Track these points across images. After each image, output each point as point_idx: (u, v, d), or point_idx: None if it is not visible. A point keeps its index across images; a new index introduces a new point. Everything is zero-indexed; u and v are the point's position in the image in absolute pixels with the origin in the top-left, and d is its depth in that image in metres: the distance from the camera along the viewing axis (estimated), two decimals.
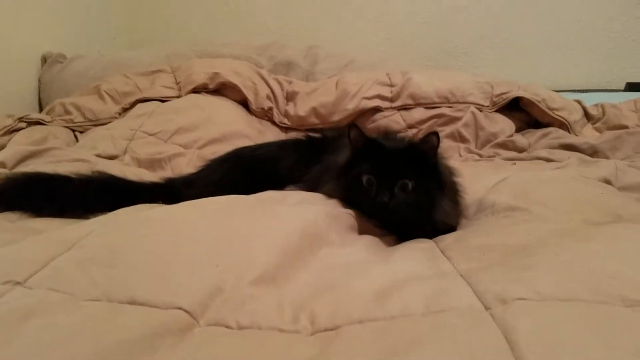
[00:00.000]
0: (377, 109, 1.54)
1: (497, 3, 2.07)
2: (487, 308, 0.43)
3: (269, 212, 0.65)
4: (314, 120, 1.55)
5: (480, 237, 0.66)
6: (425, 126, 1.50)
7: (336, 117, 1.53)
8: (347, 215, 0.75)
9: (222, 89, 1.57)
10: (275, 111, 1.59)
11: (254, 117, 1.59)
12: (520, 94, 1.50)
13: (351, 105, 1.51)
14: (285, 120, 1.59)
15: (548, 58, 2.07)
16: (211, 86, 1.54)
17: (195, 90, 1.54)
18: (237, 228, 0.57)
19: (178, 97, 1.52)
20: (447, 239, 0.71)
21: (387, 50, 2.13)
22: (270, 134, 1.55)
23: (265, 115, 1.60)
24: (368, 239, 0.71)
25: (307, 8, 2.17)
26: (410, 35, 2.14)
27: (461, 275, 0.52)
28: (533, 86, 1.57)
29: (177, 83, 1.57)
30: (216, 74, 1.54)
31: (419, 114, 1.52)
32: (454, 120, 1.50)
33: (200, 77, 1.53)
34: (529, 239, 0.59)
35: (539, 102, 1.49)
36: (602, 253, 0.50)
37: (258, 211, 0.64)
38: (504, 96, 1.52)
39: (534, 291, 0.43)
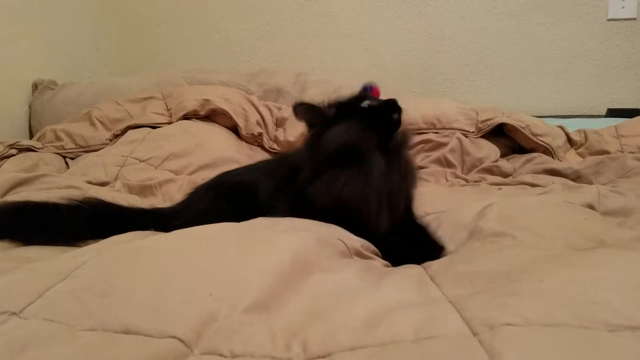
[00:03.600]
0: None
1: (482, 31, 2.12)
2: (475, 334, 0.44)
3: (260, 239, 0.66)
4: None
5: (468, 264, 0.68)
6: (412, 151, 1.52)
7: None
8: (336, 241, 0.76)
9: (212, 116, 1.59)
10: (265, 137, 1.61)
11: (244, 142, 1.61)
12: (505, 120, 1.54)
13: None
14: (275, 146, 1.61)
15: (531, 85, 2.12)
16: (202, 112, 1.56)
17: (186, 117, 1.56)
18: (229, 256, 0.58)
19: (169, 123, 1.54)
20: (436, 265, 0.73)
21: (374, 76, 2.15)
22: (260, 159, 1.56)
23: (256, 140, 1.62)
24: (358, 265, 0.72)
25: (295, 36, 2.21)
26: (396, 62, 2.18)
27: (450, 302, 0.54)
28: (516, 113, 1.61)
29: (168, 109, 1.58)
30: (207, 100, 1.56)
31: None
32: (440, 145, 1.52)
33: (191, 103, 1.55)
34: (515, 265, 0.61)
35: (522, 128, 1.52)
36: (585, 279, 0.51)
37: (249, 239, 0.65)
38: (488, 122, 1.55)
39: (520, 317, 0.44)
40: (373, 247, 0.85)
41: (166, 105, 1.60)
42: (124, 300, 0.47)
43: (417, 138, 1.55)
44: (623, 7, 2.04)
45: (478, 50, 2.13)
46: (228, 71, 1.87)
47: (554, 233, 0.79)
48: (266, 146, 1.61)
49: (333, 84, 1.86)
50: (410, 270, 0.72)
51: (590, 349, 0.40)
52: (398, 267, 0.77)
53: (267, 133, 1.63)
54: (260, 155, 1.59)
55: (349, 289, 0.61)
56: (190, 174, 1.33)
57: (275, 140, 1.62)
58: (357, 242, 0.82)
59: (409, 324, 0.48)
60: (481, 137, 1.56)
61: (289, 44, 2.23)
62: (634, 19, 2.05)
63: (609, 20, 2.06)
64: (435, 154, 1.51)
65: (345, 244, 0.78)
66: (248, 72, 1.86)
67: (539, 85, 2.12)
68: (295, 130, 1.58)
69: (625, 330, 0.41)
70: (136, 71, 2.15)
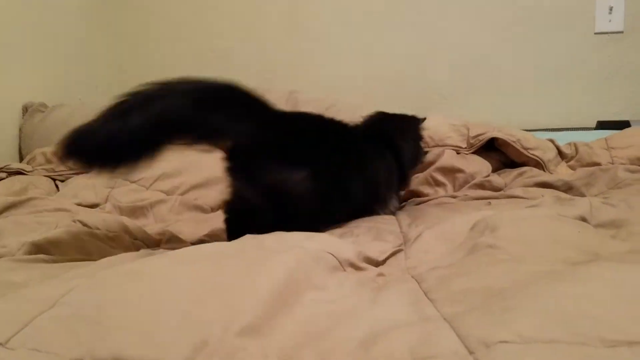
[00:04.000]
0: None
1: (472, 46, 2.15)
2: (471, 352, 0.44)
3: (253, 260, 0.65)
4: None
5: (462, 278, 0.67)
6: None
7: None
8: (327, 255, 0.76)
9: None
10: None
11: None
12: (496, 134, 1.55)
13: None
14: None
15: (522, 99, 2.14)
16: None
17: None
18: (221, 278, 0.57)
19: None
20: (430, 279, 0.72)
21: (368, 93, 2.19)
22: None
23: None
24: (352, 280, 0.72)
25: (287, 53, 2.23)
26: (389, 78, 2.20)
27: (445, 319, 0.53)
28: (507, 127, 1.62)
29: None
30: None
31: None
32: (432, 162, 1.53)
33: None
34: (509, 280, 0.60)
35: (514, 142, 1.53)
36: (581, 294, 0.51)
37: (241, 260, 0.64)
38: (480, 137, 1.56)
39: (515, 334, 0.44)
40: (366, 254, 0.85)
41: None
42: (114, 328, 0.46)
43: None
44: (610, 21, 2.07)
45: (469, 65, 2.16)
46: None
47: (548, 246, 0.79)
48: None
49: (326, 101, 1.86)
50: (404, 285, 0.71)
51: None
52: (392, 282, 0.76)
53: None
54: None
55: (344, 307, 0.61)
56: (182, 194, 1.33)
57: None
58: (348, 252, 0.81)
59: (404, 344, 0.47)
60: (473, 152, 1.57)
61: (282, 61, 2.24)
62: (621, 32, 2.08)
63: (596, 33, 2.09)
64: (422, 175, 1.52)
65: (336, 258, 0.78)
66: None
67: (530, 99, 2.14)
68: None
69: (622, 346, 0.41)
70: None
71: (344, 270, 0.78)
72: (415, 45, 2.17)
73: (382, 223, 1.13)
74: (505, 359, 0.41)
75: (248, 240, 0.82)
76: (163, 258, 0.62)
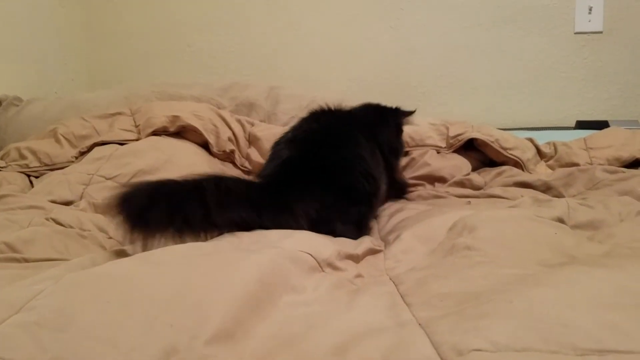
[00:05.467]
0: None
1: (452, 44, 2.15)
2: None
3: (225, 262, 0.64)
4: None
5: (439, 281, 0.67)
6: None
7: None
8: (305, 255, 0.75)
9: (183, 132, 1.56)
10: (237, 154, 1.59)
11: (216, 159, 1.58)
12: (475, 135, 1.55)
13: None
14: (247, 164, 1.59)
15: (502, 97, 2.15)
16: (171, 129, 1.53)
17: (155, 133, 1.53)
18: (193, 282, 0.56)
19: (137, 140, 1.51)
20: (408, 282, 0.72)
21: (347, 89, 2.18)
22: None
23: (228, 157, 1.60)
24: (329, 281, 0.71)
25: (267, 49, 2.21)
26: (369, 76, 2.19)
27: (420, 324, 0.53)
28: (486, 127, 1.62)
29: (137, 126, 1.55)
30: (176, 117, 1.53)
31: None
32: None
33: (160, 120, 1.52)
34: (485, 284, 0.60)
35: (492, 142, 1.54)
36: (554, 299, 0.51)
37: (213, 262, 0.63)
38: (459, 137, 1.56)
39: (489, 341, 0.44)
40: (347, 251, 0.85)
41: (134, 122, 1.57)
42: (81, 335, 0.45)
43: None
44: (590, 21, 2.09)
45: (449, 64, 2.16)
46: (199, 85, 1.84)
47: (525, 247, 0.79)
48: (238, 164, 1.59)
49: (306, 97, 1.85)
50: (381, 288, 0.71)
51: None
52: (370, 284, 0.76)
53: (239, 150, 1.61)
54: (232, 172, 1.57)
55: (319, 311, 0.60)
56: None
57: (247, 158, 1.60)
58: (328, 251, 0.81)
59: (377, 350, 0.47)
60: (453, 151, 1.57)
61: (261, 57, 2.22)
62: (601, 32, 2.10)
63: (576, 33, 2.11)
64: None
65: (315, 258, 0.77)
66: (220, 86, 1.84)
67: (510, 98, 2.15)
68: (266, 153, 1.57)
69: (593, 354, 0.41)
70: (105, 86, 2.11)
71: (323, 271, 0.78)
72: (396, 42, 2.16)
73: None
74: None
75: (226, 239, 0.80)
76: (133, 260, 0.61)
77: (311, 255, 0.77)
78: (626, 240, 0.84)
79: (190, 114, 1.55)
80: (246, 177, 1.55)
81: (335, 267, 0.80)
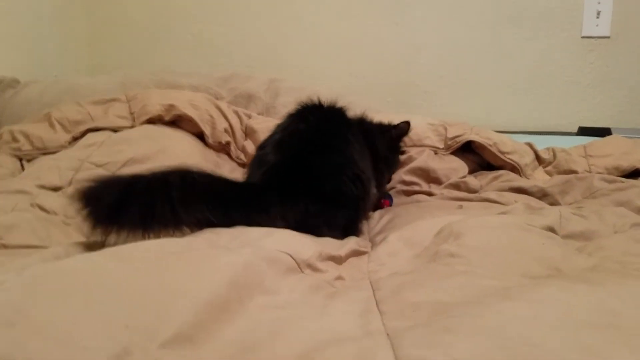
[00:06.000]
0: None
1: (456, 43, 2.13)
2: None
3: (198, 260, 0.62)
4: None
5: (415, 290, 0.65)
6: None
7: None
8: (284, 256, 0.73)
9: (178, 121, 1.55)
10: (232, 146, 1.58)
11: (211, 150, 1.57)
12: (473, 137, 1.53)
13: None
14: (242, 157, 1.57)
15: (505, 99, 2.13)
16: (167, 118, 1.52)
17: (150, 121, 1.51)
18: (160, 281, 0.54)
19: (132, 127, 1.49)
20: (386, 288, 0.70)
21: (349, 85, 2.16)
22: (227, 168, 1.53)
23: (223, 149, 1.58)
24: (306, 283, 0.70)
25: (270, 41, 2.19)
26: (372, 72, 2.17)
27: (387, 335, 0.51)
28: (484, 129, 1.60)
29: (132, 113, 1.53)
30: (172, 106, 1.51)
31: None
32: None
33: (155, 108, 1.50)
34: (460, 295, 0.59)
35: (490, 145, 1.51)
36: (527, 317, 0.49)
37: (185, 260, 0.61)
38: (457, 139, 1.54)
39: (450, 359, 0.42)
40: (330, 252, 0.83)
41: (130, 108, 1.55)
42: (33, 332, 0.44)
43: None
44: (597, 25, 2.06)
45: (452, 62, 2.14)
46: (199, 74, 1.82)
47: (510, 258, 0.77)
48: (233, 156, 1.58)
49: (306, 91, 1.82)
50: (358, 293, 0.69)
51: None
52: (347, 288, 0.74)
53: (235, 142, 1.59)
54: (228, 165, 1.56)
55: (290, 315, 0.59)
56: None
57: (243, 150, 1.58)
58: (309, 252, 0.79)
59: None
60: (450, 153, 1.55)
61: (264, 49, 2.20)
62: (608, 37, 2.06)
63: (583, 37, 2.08)
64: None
65: (294, 259, 0.75)
66: (219, 76, 1.82)
67: (512, 100, 2.13)
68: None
69: None
70: (106, 71, 2.10)
71: (302, 272, 0.76)
72: (400, 39, 2.13)
73: None
74: None
75: (204, 235, 0.79)
76: (102, 255, 0.59)
77: (290, 255, 0.75)
78: (616, 253, 0.82)
79: (187, 103, 1.54)
80: (240, 169, 1.54)
81: (315, 269, 0.78)
